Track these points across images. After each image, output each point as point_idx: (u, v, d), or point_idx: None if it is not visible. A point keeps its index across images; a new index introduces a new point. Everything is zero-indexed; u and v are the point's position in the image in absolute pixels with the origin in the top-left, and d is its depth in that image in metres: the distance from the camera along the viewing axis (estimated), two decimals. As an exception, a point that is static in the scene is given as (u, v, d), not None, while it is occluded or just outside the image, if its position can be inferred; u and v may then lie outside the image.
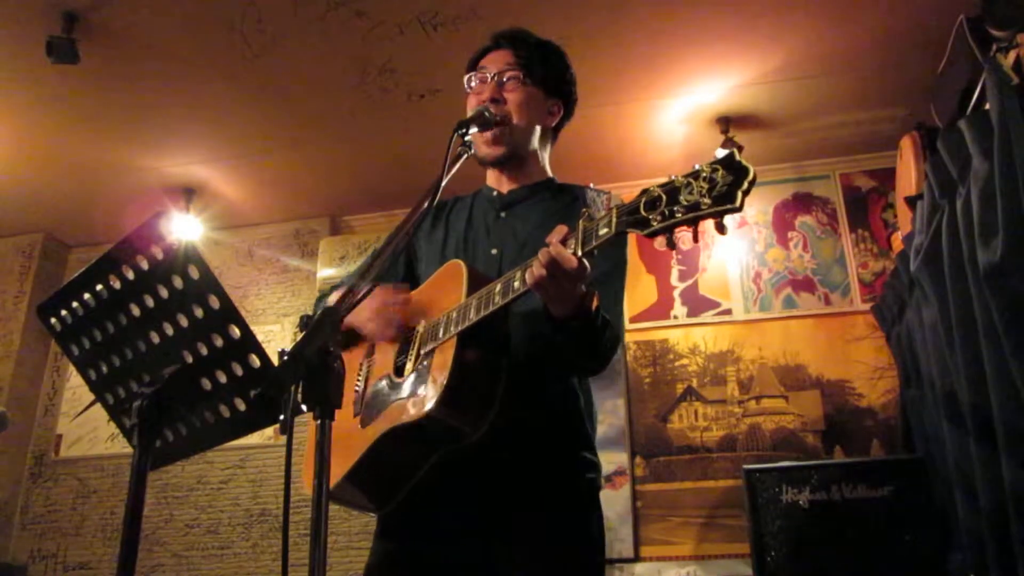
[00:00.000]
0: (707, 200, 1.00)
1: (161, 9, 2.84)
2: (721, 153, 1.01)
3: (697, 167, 1.03)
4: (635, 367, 3.82)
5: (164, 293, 1.11)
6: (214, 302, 1.07)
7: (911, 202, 2.79)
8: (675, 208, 1.03)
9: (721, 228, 1.00)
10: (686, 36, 3.07)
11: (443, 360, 1.32)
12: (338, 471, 1.38)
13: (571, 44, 3.21)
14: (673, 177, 1.05)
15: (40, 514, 4.15)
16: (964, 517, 2.34)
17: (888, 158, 3.66)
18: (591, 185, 1.63)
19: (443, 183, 1.33)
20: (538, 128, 1.68)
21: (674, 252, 4.00)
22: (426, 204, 1.28)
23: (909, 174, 2.99)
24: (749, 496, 2.81)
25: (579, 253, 1.17)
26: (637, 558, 3.47)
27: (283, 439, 0.96)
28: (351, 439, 1.42)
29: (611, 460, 3.63)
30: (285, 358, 0.97)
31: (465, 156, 1.46)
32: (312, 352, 0.98)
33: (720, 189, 0.99)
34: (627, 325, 3.89)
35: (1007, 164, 1.83)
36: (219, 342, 1.09)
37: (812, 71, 3.27)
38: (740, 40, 3.09)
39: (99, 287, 1.17)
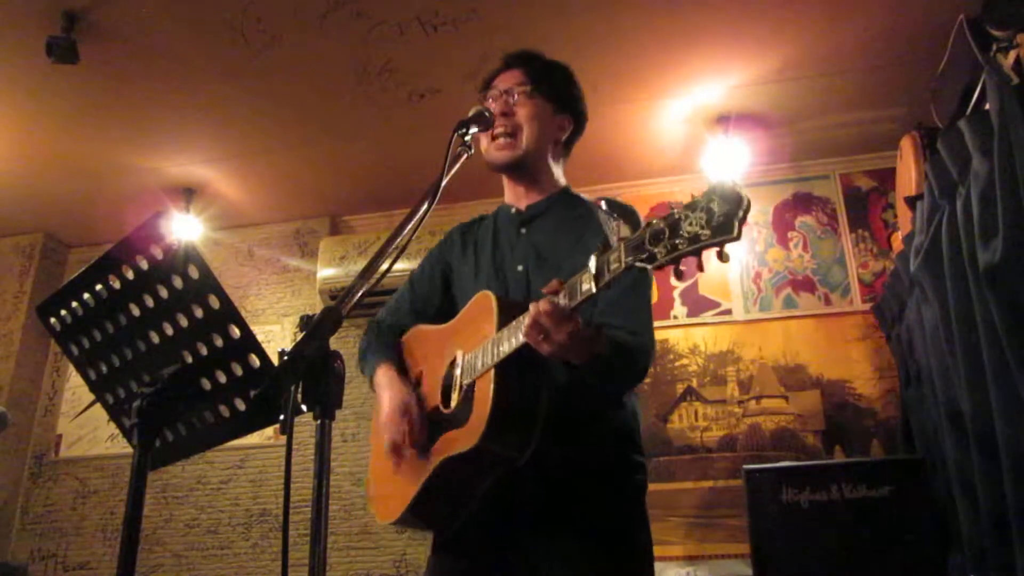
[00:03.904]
0: (707, 232, 1.02)
1: (161, 9, 2.84)
2: (714, 179, 1.03)
3: (693, 197, 1.05)
4: (635, 367, 3.81)
5: (164, 293, 1.11)
6: (214, 302, 1.07)
7: (911, 202, 2.79)
8: (677, 241, 1.05)
9: (722, 256, 1.02)
10: (686, 36, 3.06)
11: (484, 392, 1.37)
12: (401, 503, 1.50)
13: (571, 44, 3.23)
14: (672, 209, 1.07)
15: (40, 514, 4.15)
16: (964, 517, 2.34)
17: (888, 158, 3.65)
18: (602, 203, 1.65)
19: (443, 183, 1.33)
20: (549, 139, 1.74)
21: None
22: (426, 204, 1.29)
23: (909, 174, 2.99)
24: (749, 496, 2.80)
25: (570, 305, 1.22)
26: (637, 558, 3.46)
27: (283, 439, 0.96)
28: (410, 473, 1.51)
29: (611, 460, 3.62)
30: (285, 358, 0.97)
31: (465, 156, 1.46)
32: (312, 352, 0.99)
33: (718, 219, 1.01)
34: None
35: (1007, 164, 1.83)
36: (219, 342, 1.08)
37: (812, 71, 3.27)
38: (740, 40, 3.09)
39: (99, 287, 1.17)
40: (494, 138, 1.67)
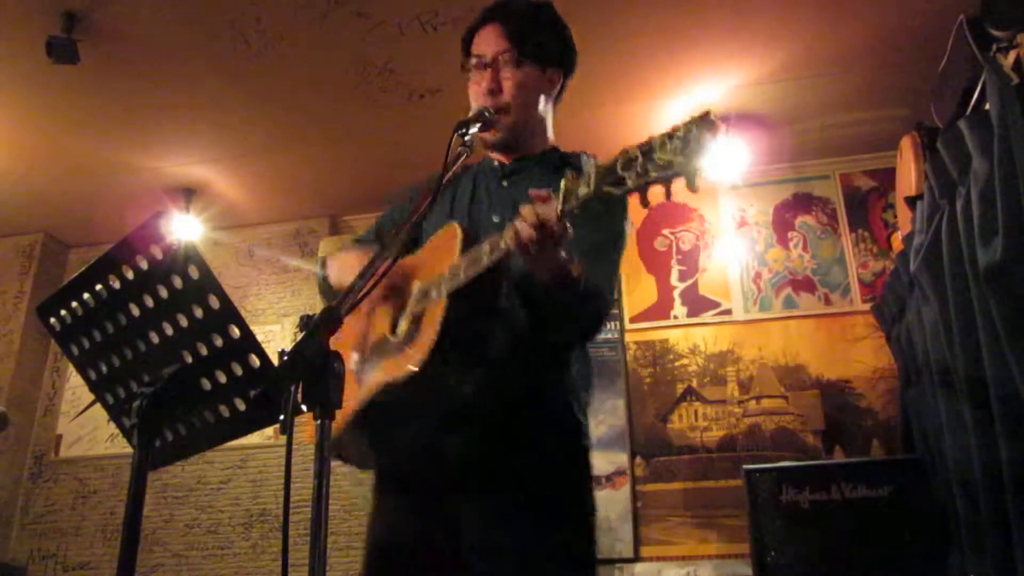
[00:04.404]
0: (680, 159, 1.01)
1: (161, 9, 2.84)
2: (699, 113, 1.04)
3: (674, 126, 1.03)
4: (635, 367, 3.82)
5: (164, 293, 1.11)
6: (214, 302, 1.07)
7: (911, 202, 2.79)
8: (649, 166, 1.05)
9: (691, 186, 1.01)
10: (686, 36, 3.06)
11: (432, 318, 1.35)
12: (338, 422, 1.43)
13: (571, 44, 3.20)
14: (651, 137, 1.06)
15: (40, 514, 4.15)
16: (964, 517, 2.34)
17: (888, 158, 3.65)
18: (587, 154, 1.63)
19: (443, 183, 1.34)
20: (539, 101, 1.68)
21: (674, 252, 4.00)
22: (426, 205, 1.29)
23: (909, 174, 2.99)
24: (749, 496, 2.80)
25: (559, 210, 1.18)
26: (637, 558, 3.47)
27: (283, 439, 0.96)
28: (350, 393, 1.46)
29: (611, 460, 3.63)
30: (285, 358, 0.97)
31: (465, 156, 1.46)
32: (312, 352, 0.99)
33: (692, 147, 1.00)
34: (627, 325, 3.90)
35: (1007, 164, 1.83)
36: (219, 342, 1.08)
37: (812, 71, 3.27)
38: (740, 40, 3.09)
39: (99, 287, 1.17)
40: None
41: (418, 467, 1.49)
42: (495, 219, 1.59)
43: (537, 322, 1.42)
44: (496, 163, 1.69)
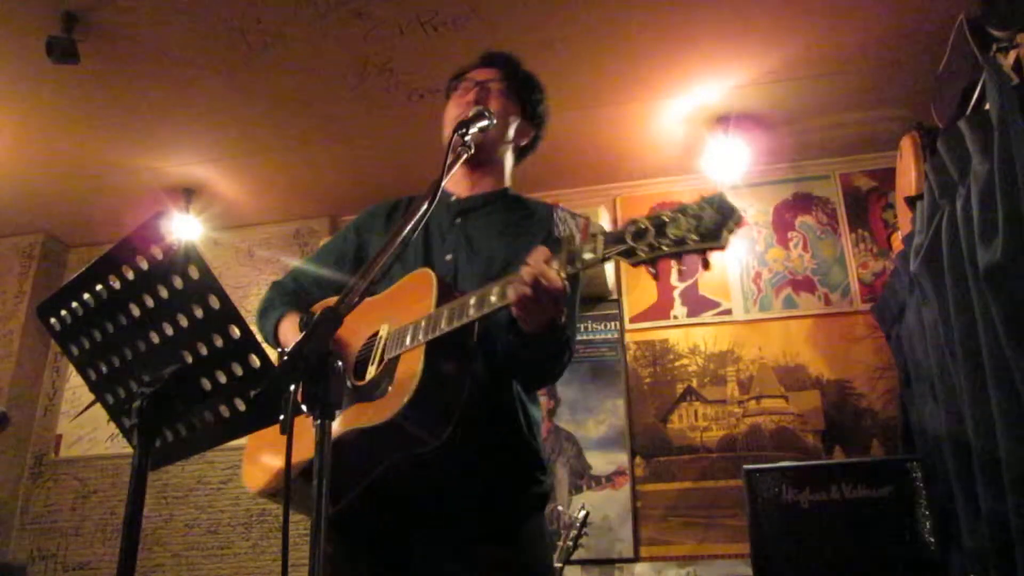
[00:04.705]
0: (694, 236, 1.05)
1: (161, 9, 2.84)
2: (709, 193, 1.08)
3: (685, 204, 1.07)
4: (635, 367, 3.82)
5: (164, 293, 1.11)
6: (214, 302, 1.07)
7: (911, 202, 2.79)
8: (662, 241, 1.07)
9: (706, 264, 1.05)
10: (686, 36, 3.06)
11: (410, 367, 1.32)
12: (274, 476, 1.40)
13: (571, 44, 3.23)
14: (660, 212, 1.09)
15: (40, 514, 4.15)
16: (964, 517, 2.34)
17: (888, 158, 3.65)
18: (561, 206, 1.65)
19: (443, 183, 1.33)
20: (511, 140, 1.72)
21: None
22: (425, 206, 1.29)
23: (909, 174, 2.99)
24: (749, 496, 2.80)
25: (563, 275, 1.20)
26: (637, 558, 3.47)
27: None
28: (303, 437, 1.43)
29: (611, 460, 3.63)
30: (285, 358, 0.97)
31: (465, 156, 1.46)
32: (312, 352, 0.98)
33: (707, 226, 1.03)
34: (627, 325, 3.90)
35: (1007, 164, 1.83)
36: (219, 342, 1.08)
37: (812, 71, 3.27)
38: (740, 40, 3.09)
39: (99, 287, 1.16)
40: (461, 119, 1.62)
41: (370, 510, 1.45)
42: (447, 258, 1.60)
43: (516, 366, 1.43)
44: (452, 198, 1.70)
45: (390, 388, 1.33)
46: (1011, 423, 1.92)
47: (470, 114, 1.55)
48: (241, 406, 1.11)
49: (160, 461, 1.19)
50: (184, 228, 4.07)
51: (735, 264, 3.89)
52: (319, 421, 0.98)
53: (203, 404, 1.13)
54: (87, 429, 4.22)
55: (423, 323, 1.35)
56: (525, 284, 1.21)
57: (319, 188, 4.18)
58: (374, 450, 1.35)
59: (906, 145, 3.04)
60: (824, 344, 3.65)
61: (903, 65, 3.17)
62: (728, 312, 3.81)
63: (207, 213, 4.25)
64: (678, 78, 3.32)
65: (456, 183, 1.71)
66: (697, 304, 3.86)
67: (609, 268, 3.74)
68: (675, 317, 3.87)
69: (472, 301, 1.30)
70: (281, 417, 0.95)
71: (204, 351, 1.10)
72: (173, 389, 1.11)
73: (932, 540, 2.56)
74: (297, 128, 3.62)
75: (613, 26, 2.99)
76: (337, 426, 1.35)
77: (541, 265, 1.21)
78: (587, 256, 1.17)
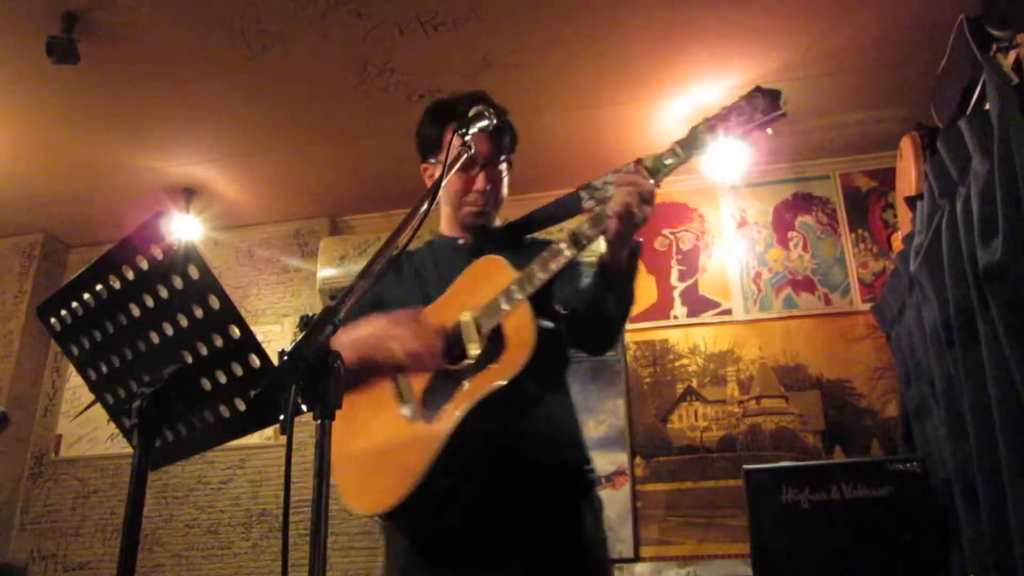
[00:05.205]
0: (759, 115, 1.40)
1: (161, 9, 2.84)
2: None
3: (733, 103, 1.46)
4: (635, 367, 3.82)
5: (164, 293, 1.11)
6: (214, 302, 1.07)
7: (911, 202, 2.79)
8: (730, 124, 1.41)
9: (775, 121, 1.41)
10: (686, 36, 3.06)
11: (518, 324, 1.39)
12: (404, 481, 1.40)
13: (571, 44, 3.23)
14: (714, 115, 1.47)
15: (40, 514, 4.15)
16: (964, 517, 2.34)
17: (888, 158, 3.65)
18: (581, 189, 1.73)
19: (443, 183, 1.33)
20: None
21: (674, 252, 4.00)
22: (425, 206, 1.28)
23: (909, 174, 2.99)
24: (749, 496, 2.80)
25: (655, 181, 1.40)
26: (637, 558, 3.47)
27: (283, 439, 0.96)
28: (415, 443, 1.43)
29: (611, 460, 3.63)
30: (285, 358, 0.97)
31: (465, 156, 1.46)
32: (312, 352, 0.98)
33: (764, 105, 1.43)
34: (627, 325, 3.89)
35: (1007, 164, 1.83)
36: (219, 342, 1.08)
37: (811, 71, 3.27)
38: (740, 40, 3.09)
39: (99, 287, 1.16)
40: (475, 204, 1.71)
41: (469, 529, 1.46)
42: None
43: (596, 315, 1.51)
44: (460, 241, 1.76)
45: (504, 348, 1.39)
46: (1011, 423, 1.92)
47: (470, 114, 1.54)
48: (241, 406, 1.11)
49: (160, 461, 1.19)
50: (184, 228, 4.07)
51: (735, 264, 3.90)
52: (319, 420, 0.97)
53: (203, 404, 1.13)
54: (87, 429, 4.22)
55: (513, 285, 1.41)
56: (628, 193, 1.33)
57: (319, 188, 4.19)
58: (500, 415, 1.40)
59: (906, 145, 3.04)
60: (824, 344, 3.65)
61: (903, 65, 3.17)
62: (728, 312, 3.81)
63: (207, 213, 4.25)
64: (678, 78, 3.32)
65: (451, 227, 1.79)
66: (697, 304, 3.86)
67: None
68: (675, 317, 3.87)
69: (563, 246, 1.40)
70: (281, 417, 0.95)
71: (204, 351, 1.10)
72: (173, 389, 1.11)
73: (932, 540, 2.56)
74: (297, 128, 3.62)
75: (613, 26, 2.99)
76: (461, 404, 1.40)
77: (628, 175, 1.34)
78: (669, 161, 1.40)
